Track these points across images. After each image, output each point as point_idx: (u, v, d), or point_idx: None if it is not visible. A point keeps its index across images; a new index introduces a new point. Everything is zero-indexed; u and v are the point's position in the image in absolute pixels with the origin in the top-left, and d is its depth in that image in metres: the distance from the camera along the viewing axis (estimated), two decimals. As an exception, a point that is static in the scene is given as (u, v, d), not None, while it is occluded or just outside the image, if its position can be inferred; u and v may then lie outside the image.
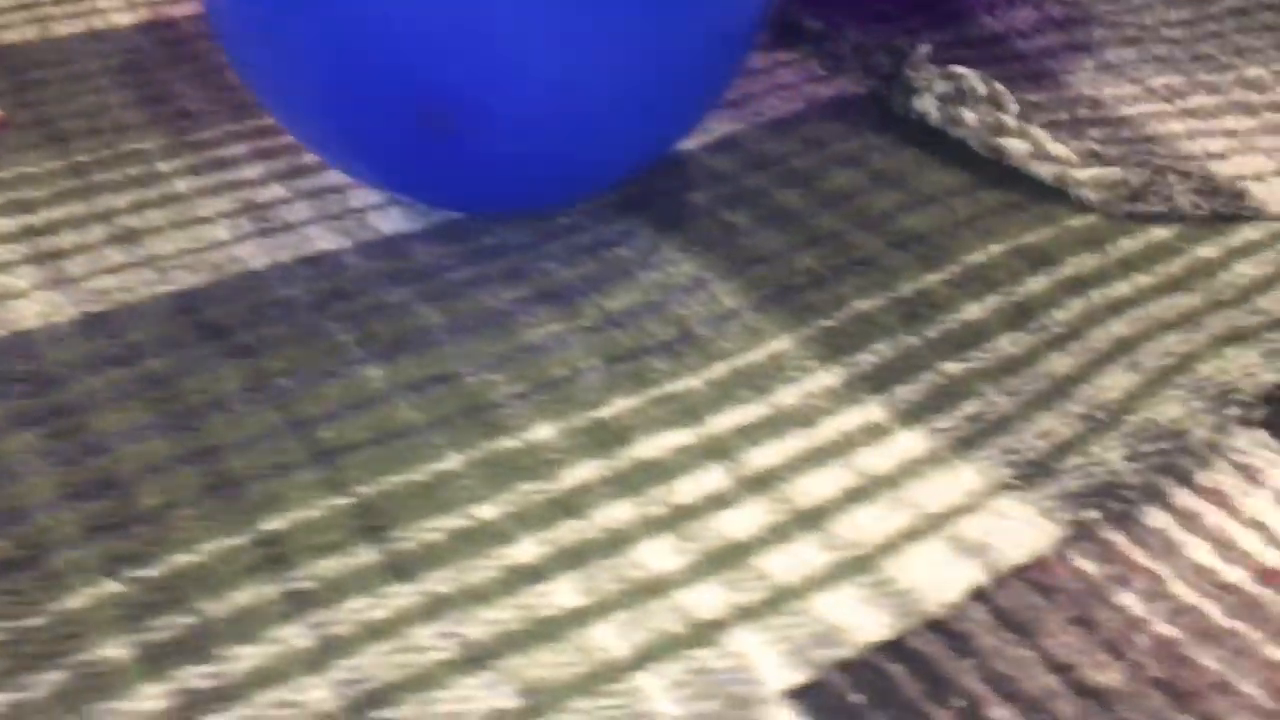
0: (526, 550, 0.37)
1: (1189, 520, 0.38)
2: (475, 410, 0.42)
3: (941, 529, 0.38)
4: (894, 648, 0.34)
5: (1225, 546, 0.38)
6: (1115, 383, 0.44)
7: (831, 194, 0.55)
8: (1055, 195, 0.54)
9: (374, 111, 0.43)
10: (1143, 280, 0.49)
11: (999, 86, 0.57)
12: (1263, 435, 0.42)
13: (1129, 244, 0.52)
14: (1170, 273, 0.50)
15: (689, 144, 0.59)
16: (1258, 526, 0.38)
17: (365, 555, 0.36)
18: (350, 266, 0.49)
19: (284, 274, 0.49)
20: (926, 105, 0.57)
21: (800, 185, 0.55)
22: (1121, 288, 0.49)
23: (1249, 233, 0.53)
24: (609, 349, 0.45)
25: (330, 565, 0.36)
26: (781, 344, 0.46)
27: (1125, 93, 0.63)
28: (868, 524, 0.38)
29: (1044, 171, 0.55)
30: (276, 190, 0.54)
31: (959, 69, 0.57)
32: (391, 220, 0.52)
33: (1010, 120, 0.55)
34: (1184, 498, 0.40)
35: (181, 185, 0.54)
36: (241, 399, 0.42)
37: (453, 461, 0.40)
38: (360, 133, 0.45)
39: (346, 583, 0.35)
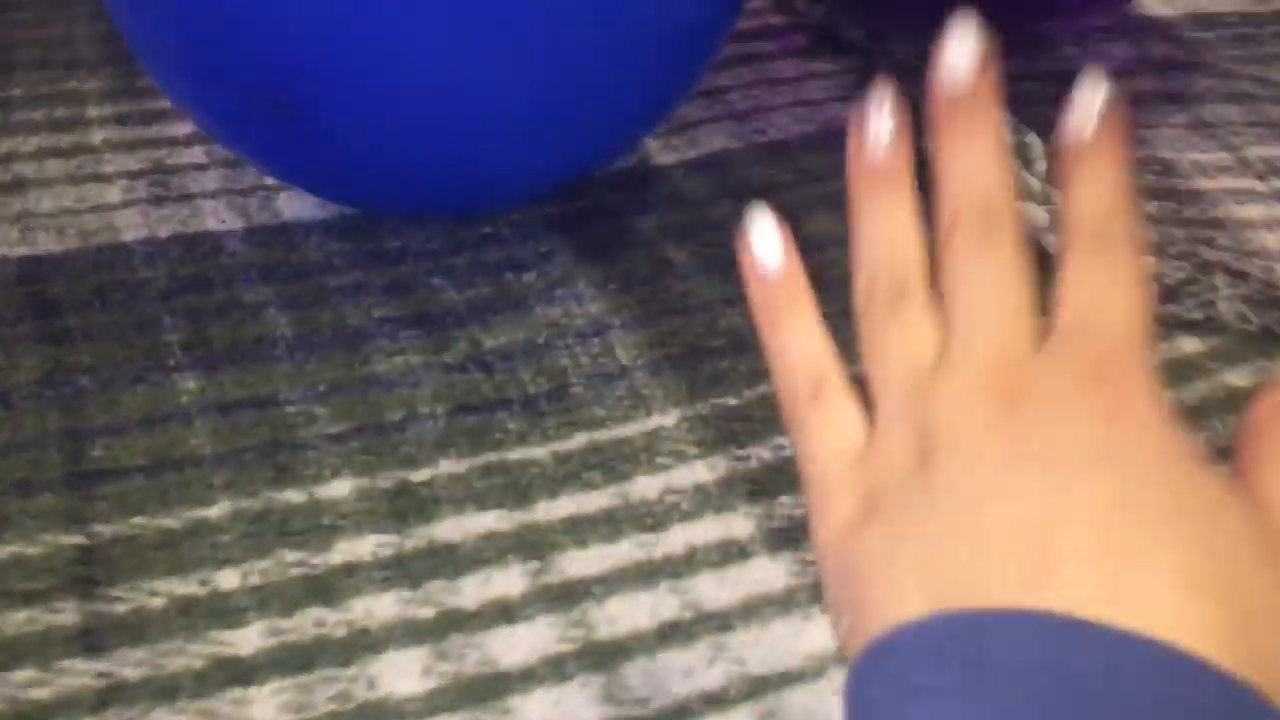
0: (250, 640, 0.31)
1: None
2: (275, 449, 0.36)
3: (763, 698, 0.30)
4: None
5: None
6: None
7: (803, 240, 0.46)
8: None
9: (230, 96, 0.38)
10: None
11: (1030, 138, 0.48)
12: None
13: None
14: (1183, 400, 0.40)
15: (668, 156, 0.51)
16: None
17: (64, 614, 0.31)
18: (226, 253, 0.44)
19: (152, 252, 0.44)
20: (944, 148, 0.48)
21: (789, 219, 0.47)
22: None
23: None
24: (461, 395, 0.38)
25: (16, 619, 0.31)
26: (664, 419, 0.38)
27: (1210, 160, 0.52)
28: (666, 677, 0.31)
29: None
30: (195, 154, 0.49)
31: (988, 110, 0.48)
32: (296, 207, 0.46)
33: (1034, 181, 0.46)
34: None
35: (99, 136, 0.50)
36: (23, 393, 0.37)
37: (219, 510, 0.34)
38: (225, 117, 0.39)
39: (24, 645, 0.30)
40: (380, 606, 0.32)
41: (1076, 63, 0.58)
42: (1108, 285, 0.25)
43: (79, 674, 0.29)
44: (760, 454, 0.37)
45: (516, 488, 0.36)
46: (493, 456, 0.36)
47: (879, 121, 0.29)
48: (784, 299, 0.30)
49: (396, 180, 0.41)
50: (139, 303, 0.41)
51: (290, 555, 0.33)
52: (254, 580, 0.32)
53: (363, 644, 0.31)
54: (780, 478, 0.37)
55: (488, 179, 0.43)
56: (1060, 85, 0.53)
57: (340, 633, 0.31)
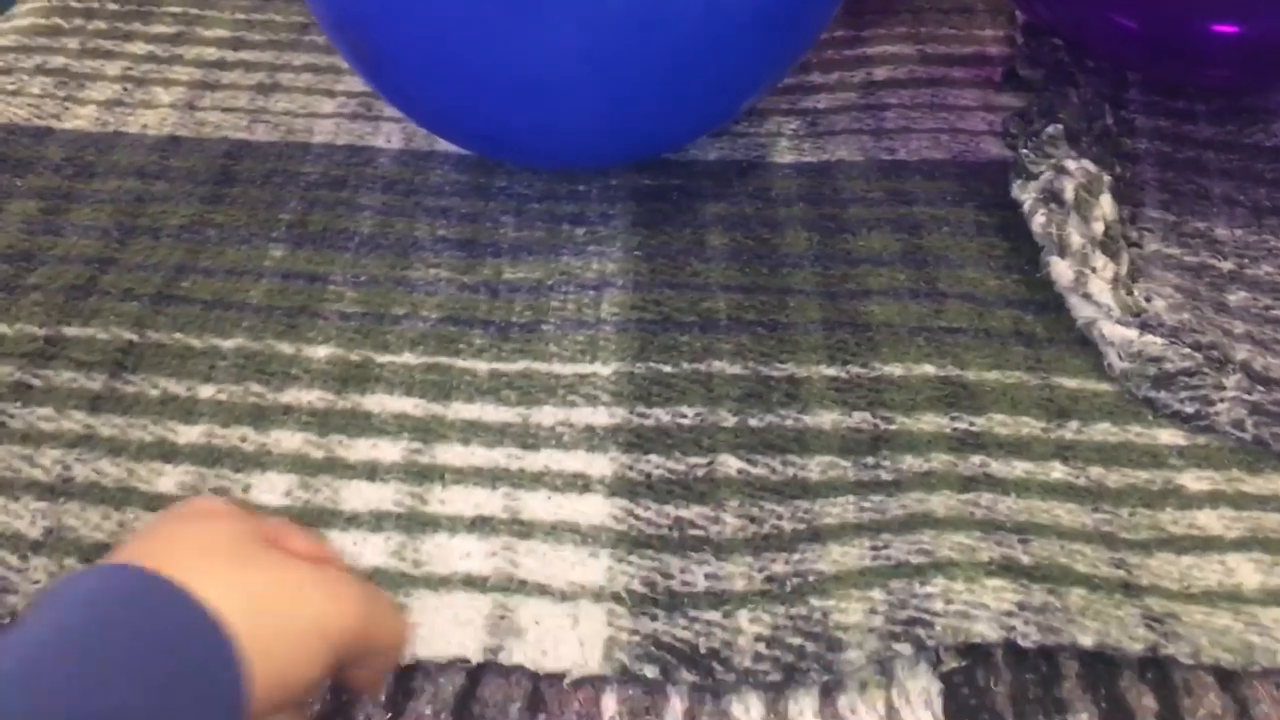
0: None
1: None
2: (299, 313, 0.45)
3: (500, 593, 0.35)
4: None
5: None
6: (830, 555, 0.36)
7: (849, 254, 0.48)
8: (1092, 345, 0.43)
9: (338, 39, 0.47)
10: (1068, 474, 0.38)
11: (1102, 198, 0.45)
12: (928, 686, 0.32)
13: (1101, 431, 0.40)
14: (1115, 483, 0.38)
15: (788, 155, 0.55)
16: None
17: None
18: (374, 164, 0.54)
19: (325, 152, 0.55)
20: (1025, 194, 0.47)
21: (829, 233, 0.49)
22: (1046, 472, 0.39)
23: (1297, 488, 0.38)
24: (457, 308, 0.46)
25: None
26: (603, 369, 0.43)
27: (1366, 266, 0.46)
28: (447, 554, 0.36)
29: (1080, 310, 0.43)
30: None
31: (1072, 162, 0.46)
32: (440, 141, 0.55)
33: (1077, 238, 0.44)
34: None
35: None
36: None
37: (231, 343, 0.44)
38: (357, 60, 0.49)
39: None
40: (290, 441, 0.40)
41: (1286, 140, 0.53)
42: None
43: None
44: (660, 416, 0.41)
45: (444, 387, 0.42)
46: (444, 359, 0.44)
47: None
48: None
49: (497, 136, 0.48)
50: (288, 187, 0.52)
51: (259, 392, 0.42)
52: (222, 396, 0.42)
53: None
54: (663, 439, 0.40)
55: (583, 142, 0.49)
56: (1265, 161, 0.52)
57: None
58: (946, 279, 0.47)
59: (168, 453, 0.40)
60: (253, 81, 0.60)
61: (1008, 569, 0.35)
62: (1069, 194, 0.46)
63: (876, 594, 0.34)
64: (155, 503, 0.38)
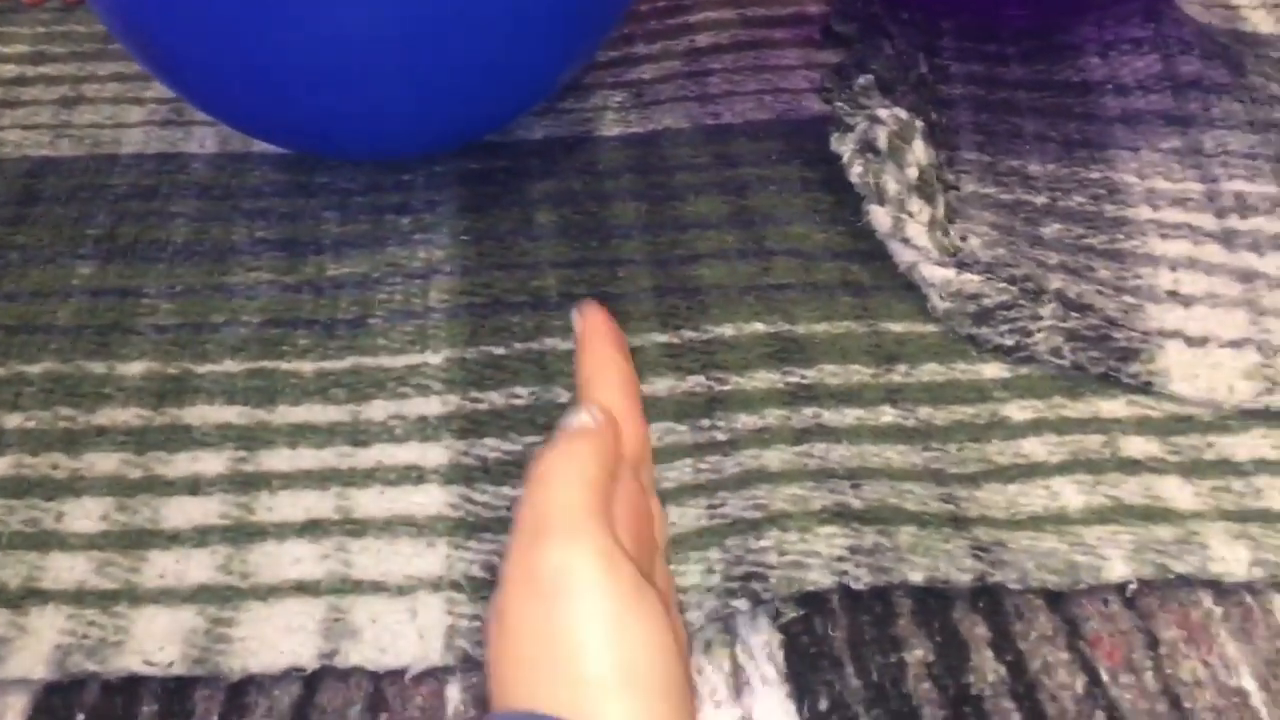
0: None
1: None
2: (112, 330, 0.43)
3: (345, 596, 0.34)
4: None
5: None
6: (681, 522, 0.36)
7: (678, 220, 0.48)
8: (916, 289, 0.44)
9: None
10: (898, 417, 0.39)
11: (915, 144, 0.46)
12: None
13: (929, 372, 0.41)
14: (943, 419, 0.39)
15: (615, 129, 0.54)
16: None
17: None
18: (188, 170, 0.52)
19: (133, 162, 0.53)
20: (844, 145, 0.48)
21: (657, 201, 0.49)
22: (876, 417, 0.39)
23: (1115, 406, 0.39)
24: (280, 310, 0.44)
25: None
26: (433, 358, 0.42)
27: (1173, 190, 0.48)
28: (280, 562, 0.35)
29: (900, 255, 0.44)
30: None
31: (884, 111, 0.47)
32: (257, 142, 0.54)
33: (893, 185, 0.45)
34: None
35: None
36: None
37: (41, 367, 0.42)
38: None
39: None
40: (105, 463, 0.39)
41: (1095, 74, 0.54)
42: None
43: None
44: (494, 399, 0.41)
45: (268, 391, 0.41)
46: (267, 363, 0.42)
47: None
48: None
49: (307, 131, 0.47)
50: (95, 201, 0.50)
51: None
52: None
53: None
54: (498, 421, 0.40)
55: (401, 129, 0.48)
56: (1073, 96, 0.52)
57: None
58: (774, 237, 0.47)
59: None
60: (55, 96, 0.57)
61: (840, 515, 0.35)
62: (882, 142, 0.46)
63: (713, 554, 0.34)
64: (-40, 542, 0.36)
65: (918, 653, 0.32)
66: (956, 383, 0.41)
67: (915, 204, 0.45)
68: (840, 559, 0.33)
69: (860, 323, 0.43)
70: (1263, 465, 0.37)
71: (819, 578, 0.33)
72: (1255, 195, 0.47)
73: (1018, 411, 0.39)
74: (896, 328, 0.43)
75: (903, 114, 0.48)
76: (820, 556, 0.33)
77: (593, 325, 0.36)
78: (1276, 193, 0.47)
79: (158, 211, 0.49)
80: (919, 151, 0.46)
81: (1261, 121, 0.51)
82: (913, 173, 0.46)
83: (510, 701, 0.25)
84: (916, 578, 0.33)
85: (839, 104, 0.49)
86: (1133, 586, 0.33)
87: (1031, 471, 0.37)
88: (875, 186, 0.45)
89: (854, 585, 0.33)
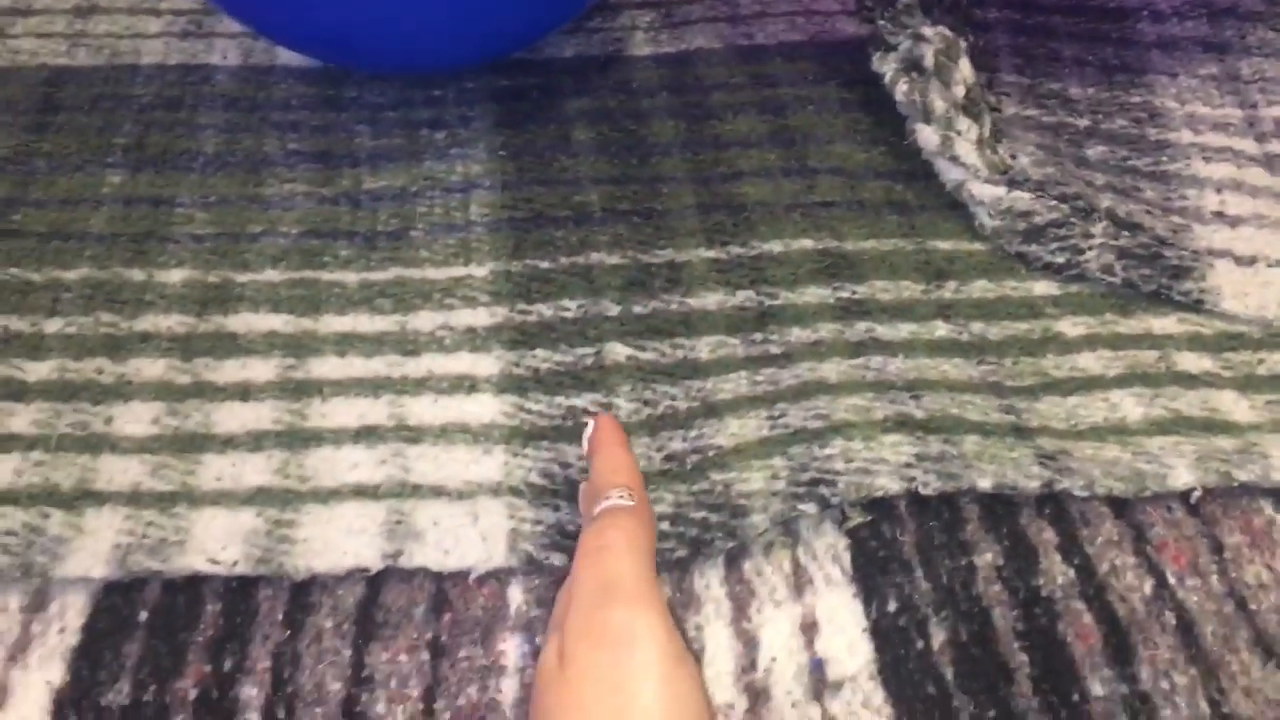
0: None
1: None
2: (148, 237, 0.43)
3: (406, 499, 0.34)
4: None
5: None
6: (727, 429, 0.36)
7: (717, 138, 0.48)
8: (963, 208, 0.44)
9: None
10: (951, 331, 0.39)
11: (961, 62, 0.46)
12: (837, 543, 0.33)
13: (979, 289, 0.41)
14: (996, 335, 0.39)
15: (646, 49, 0.53)
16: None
17: None
18: (211, 82, 0.51)
19: (153, 73, 0.51)
20: (886, 65, 0.47)
21: (695, 120, 0.48)
22: (930, 331, 0.39)
23: (1167, 324, 0.39)
24: (318, 222, 0.44)
25: None
26: (479, 270, 0.42)
27: (1214, 115, 0.48)
28: (337, 466, 0.35)
29: (948, 173, 0.44)
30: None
31: (929, 29, 0.46)
32: (292, 56, 0.52)
33: (940, 103, 0.44)
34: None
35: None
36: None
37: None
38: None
39: None
40: (151, 368, 0.38)
41: (1131, 0, 0.54)
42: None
43: None
44: (542, 311, 0.40)
45: (312, 300, 0.40)
46: (309, 273, 0.41)
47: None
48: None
49: (346, 40, 0.46)
50: (119, 111, 0.49)
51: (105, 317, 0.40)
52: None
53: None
54: (548, 334, 0.39)
55: (429, 42, 0.47)
56: (1110, 21, 0.50)
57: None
58: (816, 155, 0.47)
59: (16, 392, 0.37)
60: (69, 5, 0.55)
61: (903, 424, 0.35)
62: (929, 60, 0.46)
63: (777, 461, 0.34)
64: (7, 444, 0.35)
65: (987, 556, 0.32)
66: (1008, 299, 0.40)
67: (963, 122, 0.44)
68: (908, 465, 0.33)
69: (908, 240, 0.43)
70: (1316, 380, 0.37)
71: (887, 483, 0.33)
72: (1297, 121, 0.47)
73: (1070, 328, 0.39)
74: (945, 245, 0.42)
75: (948, 33, 0.47)
76: (888, 464, 0.33)
77: (603, 431, 0.35)
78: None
79: (185, 122, 0.48)
80: (965, 70, 0.46)
81: (1303, 49, 0.51)
82: (959, 91, 0.45)
83: None
84: (985, 484, 0.33)
85: (881, 22, 0.48)
86: (1197, 494, 0.33)
87: (1089, 385, 0.37)
88: (921, 105, 0.45)
89: (923, 491, 0.33)
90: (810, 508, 0.33)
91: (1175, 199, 0.43)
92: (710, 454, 0.35)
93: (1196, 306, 0.40)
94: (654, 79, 0.51)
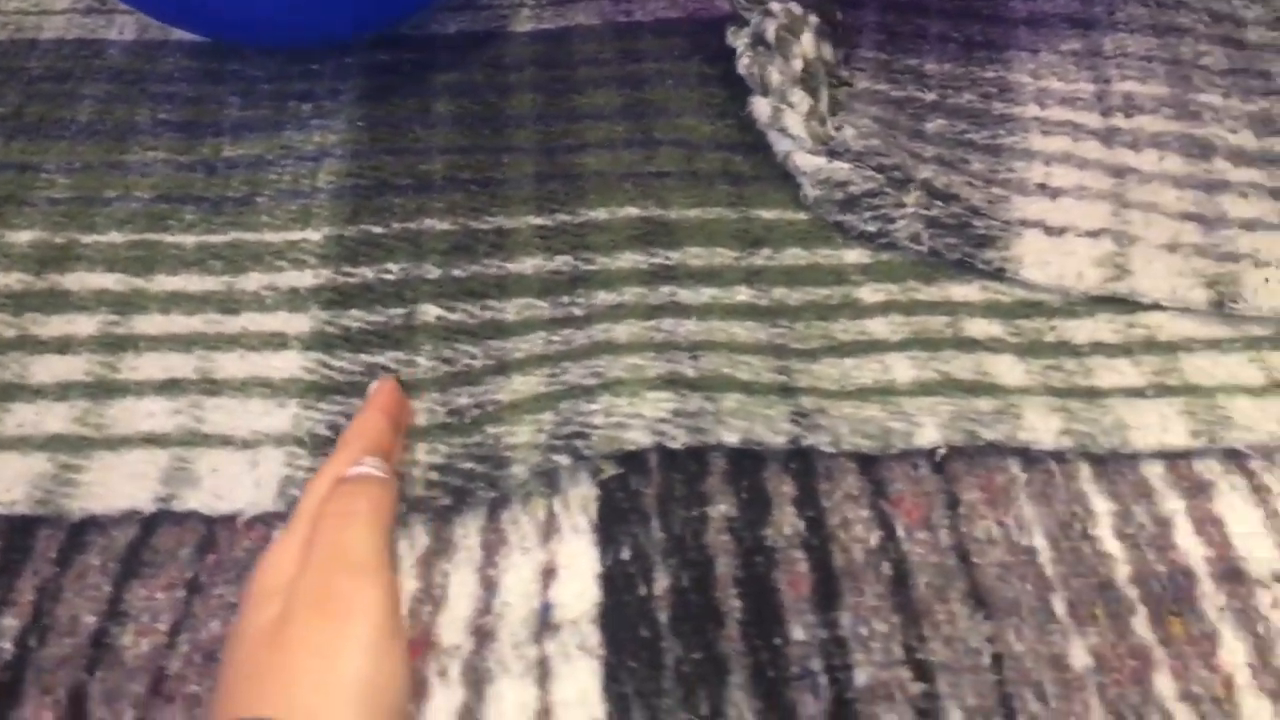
0: None
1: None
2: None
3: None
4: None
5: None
6: (511, 385, 0.37)
7: (573, 111, 0.49)
8: (792, 179, 0.44)
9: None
10: (752, 296, 0.40)
11: (804, 36, 0.46)
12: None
13: (791, 256, 0.41)
14: (799, 300, 0.39)
15: (526, 25, 0.55)
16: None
17: None
18: (104, 55, 0.53)
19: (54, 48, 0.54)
20: (739, 39, 0.48)
21: (556, 94, 0.50)
22: (731, 296, 0.40)
23: (969, 291, 0.40)
24: (172, 187, 0.45)
25: None
26: (313, 235, 0.43)
27: (1065, 90, 0.48)
28: (132, 417, 0.37)
29: (778, 144, 0.44)
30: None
31: (777, 5, 0.47)
32: (175, 31, 0.54)
33: (777, 76, 0.45)
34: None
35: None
36: None
37: None
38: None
39: None
40: None
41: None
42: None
43: None
44: (365, 273, 0.42)
45: (147, 261, 0.42)
46: (151, 235, 0.43)
47: None
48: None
49: (219, 14, 0.47)
50: (9, 84, 0.51)
51: None
52: None
53: None
54: (366, 294, 0.41)
55: (310, 16, 0.48)
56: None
57: None
58: (662, 128, 0.48)
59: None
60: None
61: (672, 382, 0.36)
62: (770, 34, 0.46)
63: (546, 416, 0.35)
64: None
65: (721, 508, 0.33)
66: (817, 267, 0.41)
67: (796, 95, 0.45)
68: (662, 420, 0.34)
69: (733, 209, 0.43)
70: (1099, 348, 0.37)
71: (638, 437, 0.34)
72: (1144, 95, 0.47)
73: (870, 294, 0.40)
74: (768, 214, 0.43)
75: (796, 8, 0.48)
76: (643, 418, 0.34)
77: (380, 395, 0.36)
78: (1166, 93, 0.47)
79: (68, 93, 0.50)
80: (806, 44, 0.47)
81: (1164, 25, 0.51)
82: (797, 64, 0.46)
83: (242, 709, 0.27)
84: (731, 439, 0.34)
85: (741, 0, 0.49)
86: (941, 452, 0.34)
87: (871, 348, 0.38)
88: (760, 78, 0.46)
89: (670, 444, 0.34)
90: (564, 459, 0.34)
91: (1002, 171, 0.44)
92: (490, 409, 0.36)
93: (999, 275, 0.40)
94: (526, 55, 0.52)
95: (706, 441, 0.34)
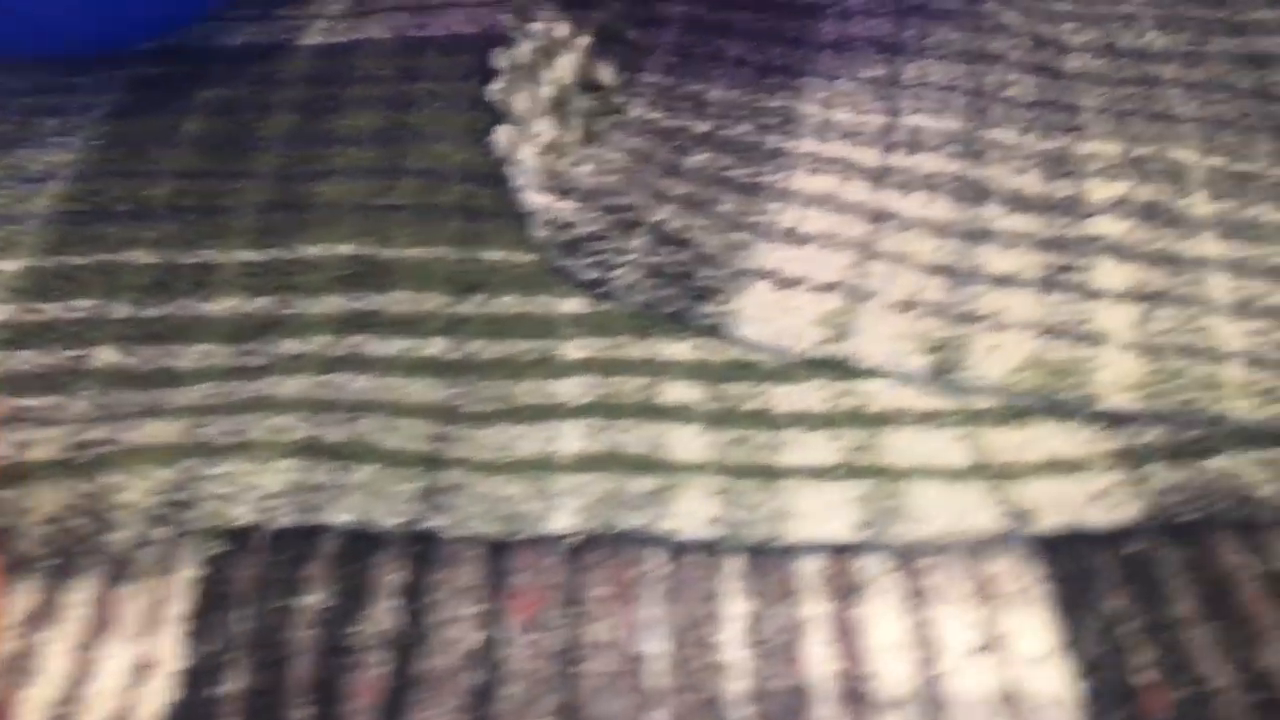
0: None
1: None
2: None
3: None
4: None
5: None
6: (143, 427, 0.34)
7: (328, 134, 0.46)
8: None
9: None
10: (445, 350, 0.36)
11: (558, 61, 0.43)
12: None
13: (505, 305, 0.38)
14: (481, 358, 0.36)
15: (316, 38, 0.51)
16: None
17: None
18: None
19: None
20: (503, 60, 0.45)
21: (316, 114, 0.47)
22: (421, 349, 0.36)
23: (681, 349, 0.36)
24: (-119, 210, 0.43)
25: None
26: (11, 265, 0.40)
27: (851, 122, 0.44)
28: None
29: (515, 179, 0.41)
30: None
31: (540, 25, 0.44)
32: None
33: (522, 103, 0.42)
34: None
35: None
36: None
37: None
38: None
39: None
40: None
41: (830, -3, 0.50)
42: None
43: None
44: (51, 310, 0.39)
45: None
46: None
47: None
48: None
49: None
50: None
51: None
52: None
53: None
54: (45, 334, 0.38)
55: (72, 23, 0.46)
56: (792, 18, 0.49)
57: None
58: (414, 155, 0.44)
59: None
60: None
61: (310, 449, 0.32)
62: (525, 58, 0.43)
63: (165, 473, 0.32)
64: None
65: (315, 597, 0.30)
66: (529, 317, 0.38)
67: (541, 125, 0.42)
68: (274, 495, 0.31)
69: (459, 249, 0.40)
70: (801, 419, 0.34)
71: (244, 513, 0.31)
72: (932, 130, 0.43)
73: (575, 350, 0.37)
74: (494, 256, 0.40)
75: (562, 29, 0.44)
76: (255, 490, 0.31)
77: None
78: (956, 129, 0.43)
79: None
80: (562, 69, 0.43)
81: (975, 52, 0.47)
82: (547, 91, 0.42)
83: None
84: (343, 518, 0.31)
85: (506, 16, 0.46)
86: (574, 539, 0.30)
87: (548, 413, 0.34)
88: (507, 105, 0.42)
89: (274, 523, 0.31)
90: (165, 532, 0.31)
91: (752, 213, 0.40)
92: (108, 448, 0.33)
93: (713, 332, 0.37)
94: (301, 70, 0.49)
95: (308, 521, 0.31)
